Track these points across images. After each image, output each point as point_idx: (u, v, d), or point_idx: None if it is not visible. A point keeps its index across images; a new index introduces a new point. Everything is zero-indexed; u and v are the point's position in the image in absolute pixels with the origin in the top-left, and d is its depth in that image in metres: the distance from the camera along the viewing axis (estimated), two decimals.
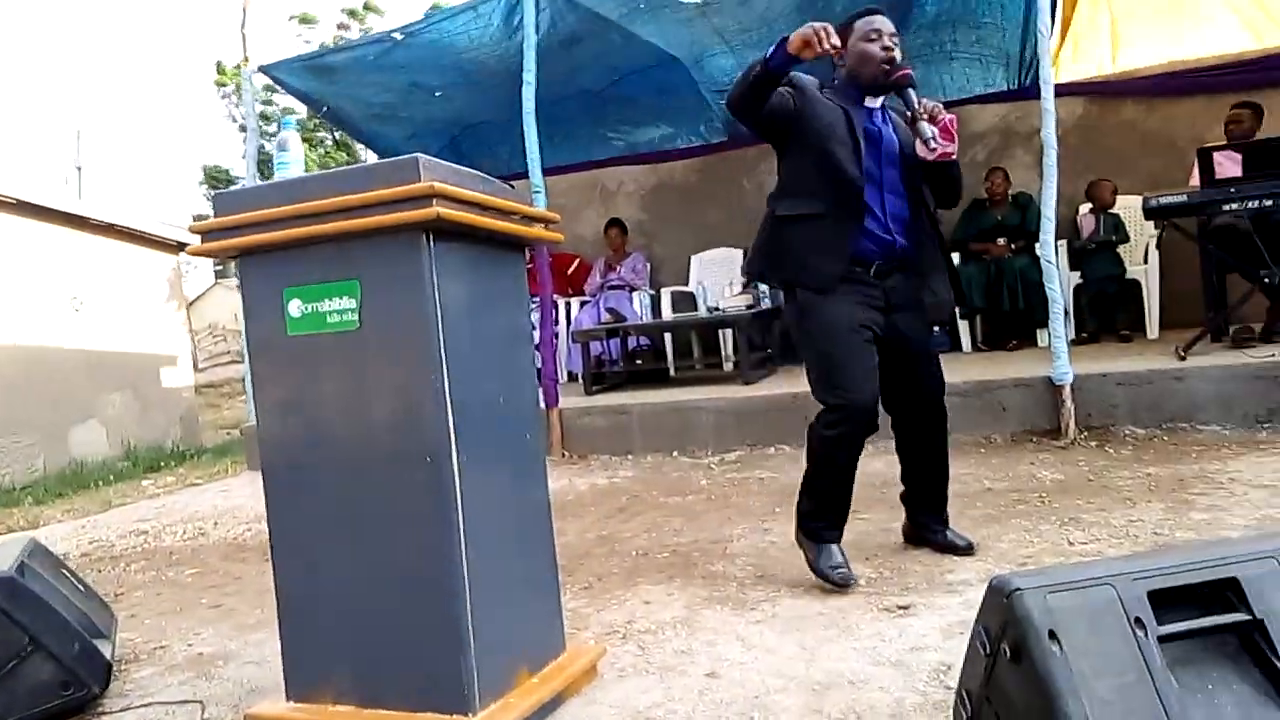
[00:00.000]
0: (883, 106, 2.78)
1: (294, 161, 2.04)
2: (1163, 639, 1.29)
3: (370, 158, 9.68)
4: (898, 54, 2.67)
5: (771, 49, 2.45)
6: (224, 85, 20.27)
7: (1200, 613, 1.32)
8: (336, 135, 14.88)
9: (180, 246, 9.42)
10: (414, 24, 5.89)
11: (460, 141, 7.59)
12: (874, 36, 2.67)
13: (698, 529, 3.50)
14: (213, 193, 2.88)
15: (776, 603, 2.58)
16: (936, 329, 6.03)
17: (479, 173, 2.02)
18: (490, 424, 1.98)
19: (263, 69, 6.18)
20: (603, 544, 3.42)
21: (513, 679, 1.97)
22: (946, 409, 2.86)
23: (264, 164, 6.90)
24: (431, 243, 1.84)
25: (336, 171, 1.92)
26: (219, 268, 18.40)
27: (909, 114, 2.61)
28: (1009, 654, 1.31)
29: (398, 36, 5.81)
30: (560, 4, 5.65)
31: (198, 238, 2.03)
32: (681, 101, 7.16)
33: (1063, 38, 6.37)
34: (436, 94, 6.44)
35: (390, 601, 1.89)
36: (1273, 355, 4.38)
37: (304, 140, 15.34)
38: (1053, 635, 1.26)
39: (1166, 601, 1.32)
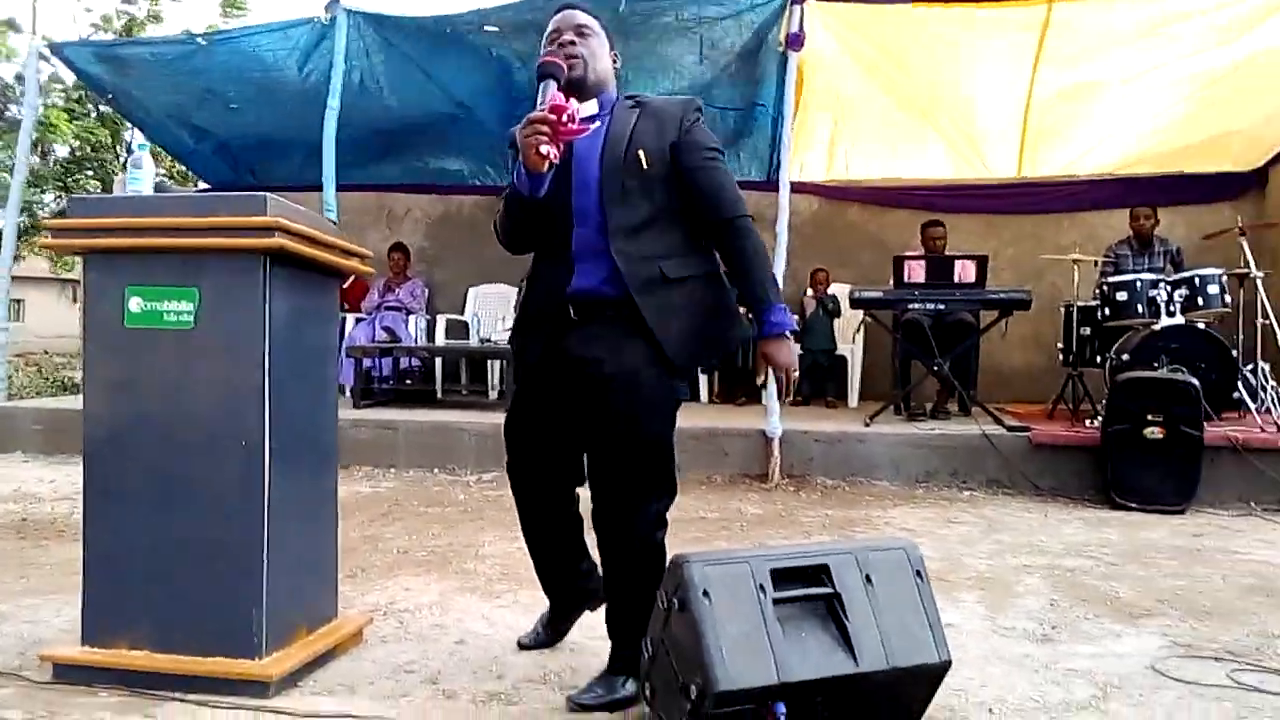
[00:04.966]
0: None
1: (145, 179, 2.36)
2: (776, 601, 1.91)
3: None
4: (576, 51, 2.22)
5: (521, 176, 2.13)
6: None
7: (803, 586, 1.97)
8: (102, 110, 14.03)
9: None
10: (221, 32, 6.03)
11: (250, 150, 7.63)
12: (552, 38, 2.26)
13: (453, 535, 3.96)
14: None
15: (518, 593, 3.09)
16: None
17: (309, 210, 2.44)
18: (297, 421, 2.38)
19: (51, 46, 6.05)
20: (367, 542, 3.80)
21: (293, 634, 2.35)
22: None
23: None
24: (268, 267, 2.23)
25: (193, 195, 2.28)
26: None
27: None
28: (678, 606, 1.89)
29: (202, 41, 5.92)
30: (370, 38, 6.00)
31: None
32: (475, 141, 7.61)
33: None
34: (231, 105, 6.52)
35: (194, 561, 2.23)
36: (934, 429, 5.45)
37: (68, 113, 14.37)
38: (706, 593, 1.86)
39: (782, 578, 1.95)
